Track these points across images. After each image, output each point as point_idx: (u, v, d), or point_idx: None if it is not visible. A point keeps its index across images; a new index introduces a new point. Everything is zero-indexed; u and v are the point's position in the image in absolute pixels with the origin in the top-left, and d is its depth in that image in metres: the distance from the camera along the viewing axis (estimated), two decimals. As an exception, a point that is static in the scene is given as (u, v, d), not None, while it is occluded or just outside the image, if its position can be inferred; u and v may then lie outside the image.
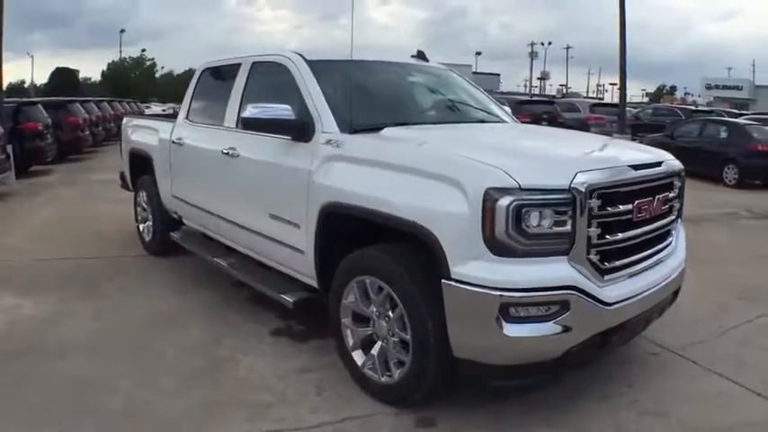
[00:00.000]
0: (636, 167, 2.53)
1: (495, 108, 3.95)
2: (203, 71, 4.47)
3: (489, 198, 2.14)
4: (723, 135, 10.95)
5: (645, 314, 2.59)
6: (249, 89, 3.69)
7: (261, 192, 3.33)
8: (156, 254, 5.16)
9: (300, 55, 3.37)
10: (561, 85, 65.79)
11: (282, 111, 3.00)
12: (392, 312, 2.54)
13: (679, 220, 3.00)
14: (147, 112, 31.65)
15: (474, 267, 2.17)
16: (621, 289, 2.40)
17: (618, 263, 2.42)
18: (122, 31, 60.54)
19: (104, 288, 4.30)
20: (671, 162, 2.83)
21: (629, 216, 2.46)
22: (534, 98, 29.53)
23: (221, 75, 4.23)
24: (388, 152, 2.63)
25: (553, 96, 43.09)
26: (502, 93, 37.36)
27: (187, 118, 4.43)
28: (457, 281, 2.19)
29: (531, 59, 58.17)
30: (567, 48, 63.34)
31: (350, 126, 2.91)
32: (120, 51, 57.27)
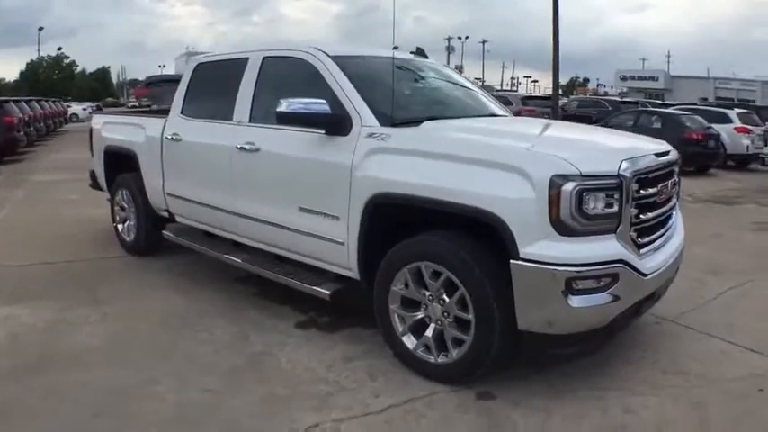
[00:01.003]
0: (658, 155, 2.87)
1: (494, 103, 4.19)
2: (197, 66, 4.33)
3: (555, 184, 2.35)
4: (657, 125, 11.96)
5: (662, 286, 2.95)
6: (263, 84, 3.64)
7: (289, 186, 3.31)
8: (141, 254, 4.95)
9: (322, 50, 3.40)
10: (476, 79, 69.18)
11: (319, 105, 3.03)
12: (447, 295, 2.68)
13: (678, 202, 3.40)
14: (70, 111, 29.66)
15: (542, 247, 2.36)
16: (651, 262, 2.70)
17: (647, 239, 2.72)
18: (41, 29, 55.85)
19: (100, 292, 4.08)
20: (674, 151, 3.21)
21: (655, 198, 2.78)
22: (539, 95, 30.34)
23: (222, 70, 4.10)
24: (444, 144, 2.74)
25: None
26: None
27: (182, 113, 4.31)
28: (526, 260, 2.37)
29: (448, 53, 60.11)
30: (483, 42, 65.56)
31: (391, 120, 3.01)
32: (39, 50, 54.24)
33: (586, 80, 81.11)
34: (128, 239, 5.08)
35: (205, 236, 4.31)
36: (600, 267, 2.41)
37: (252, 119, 3.64)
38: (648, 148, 2.88)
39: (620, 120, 13.04)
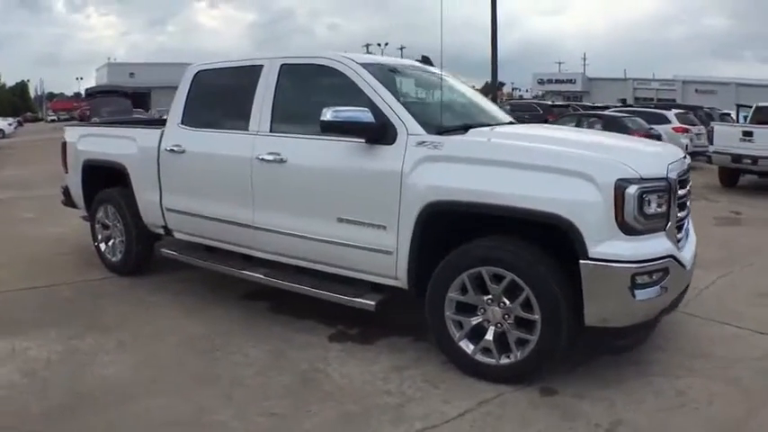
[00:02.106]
0: (684, 158, 3.14)
1: (500, 111, 4.36)
2: (196, 74, 4.11)
3: (620, 188, 2.51)
4: (598, 127, 12.80)
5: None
6: (283, 92, 3.55)
7: (324, 197, 3.25)
8: (129, 274, 4.65)
9: (351, 58, 3.40)
10: None
11: (363, 114, 3.02)
12: (507, 298, 2.76)
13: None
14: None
15: (609, 246, 2.52)
16: (687, 255, 2.95)
17: (680, 235, 2.99)
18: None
19: (102, 317, 3.80)
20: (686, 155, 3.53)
21: (685, 198, 3.04)
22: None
23: (229, 77, 3.96)
24: (504, 151, 2.83)
25: None
26: None
27: (183, 123, 4.11)
28: (595, 259, 2.52)
29: None
30: (402, 48, 67.70)
31: (435, 128, 3.05)
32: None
33: (502, 84, 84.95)
34: (113, 259, 4.76)
35: (207, 251, 4.16)
36: (656, 263, 2.61)
37: (273, 128, 3.55)
38: (678, 153, 3.15)
39: (562, 123, 13.81)
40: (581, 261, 2.55)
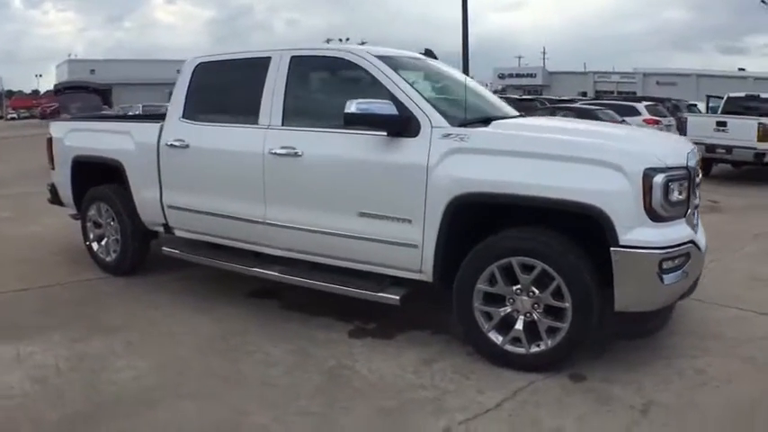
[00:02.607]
0: (695, 148, 3.26)
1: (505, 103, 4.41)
2: (197, 67, 3.97)
3: (648, 176, 2.59)
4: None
5: None
6: (294, 85, 3.48)
7: (344, 191, 3.22)
8: (125, 274, 4.49)
9: (367, 50, 3.36)
10: None
11: (387, 106, 2.99)
12: (537, 287, 2.80)
13: None
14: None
15: (638, 233, 2.59)
16: (702, 240, 3.08)
17: (695, 221, 3.11)
18: None
19: (104, 319, 3.66)
20: None
21: (697, 186, 3.17)
22: None
23: (233, 70, 3.85)
24: (533, 143, 2.85)
25: None
26: None
27: (184, 117, 3.99)
28: (625, 246, 2.59)
29: None
30: (362, 43, 68.11)
31: (458, 120, 3.06)
32: None
33: None
34: (107, 258, 4.58)
35: (210, 249, 4.06)
36: (680, 248, 2.71)
37: (285, 122, 3.49)
38: (690, 143, 3.27)
39: (536, 116, 14.06)
40: (612, 248, 2.62)
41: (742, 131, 8.60)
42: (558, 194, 2.68)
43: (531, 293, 2.85)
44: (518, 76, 56.01)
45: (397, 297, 3.16)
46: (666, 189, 2.64)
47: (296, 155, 3.37)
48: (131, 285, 4.36)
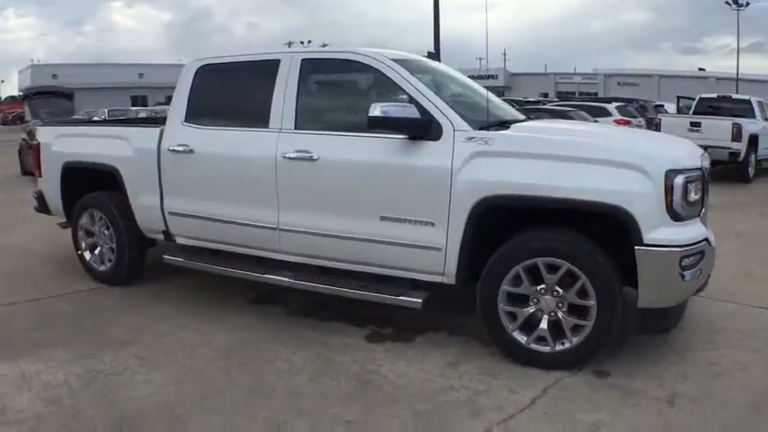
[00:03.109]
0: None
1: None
2: (199, 69, 3.89)
3: (669, 177, 2.71)
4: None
5: None
6: (306, 88, 3.47)
7: (366, 194, 3.22)
8: (120, 283, 4.36)
9: (381, 53, 3.37)
10: None
11: (410, 110, 3.02)
12: (561, 287, 2.89)
13: None
14: None
15: (661, 233, 2.70)
16: (712, 238, 3.23)
17: (706, 220, 3.27)
18: None
19: (110, 332, 3.55)
20: None
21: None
22: None
23: (240, 73, 3.80)
24: (557, 146, 2.94)
25: None
26: None
27: (187, 121, 3.91)
28: (650, 245, 2.69)
29: None
30: (324, 45, 68.30)
31: (478, 123, 3.10)
32: None
33: None
34: (100, 268, 4.43)
35: (213, 255, 4.00)
36: (697, 246, 2.83)
37: (298, 125, 3.46)
38: (698, 146, 3.43)
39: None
40: (636, 247, 2.72)
41: (716, 131, 9.02)
42: (585, 196, 2.77)
43: (554, 293, 2.93)
44: (479, 77, 56.07)
45: (420, 300, 3.19)
46: (685, 189, 2.77)
47: (311, 159, 3.35)
48: (129, 296, 4.24)
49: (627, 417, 2.58)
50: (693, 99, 11.94)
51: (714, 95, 11.76)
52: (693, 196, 2.84)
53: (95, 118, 13.91)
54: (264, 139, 3.52)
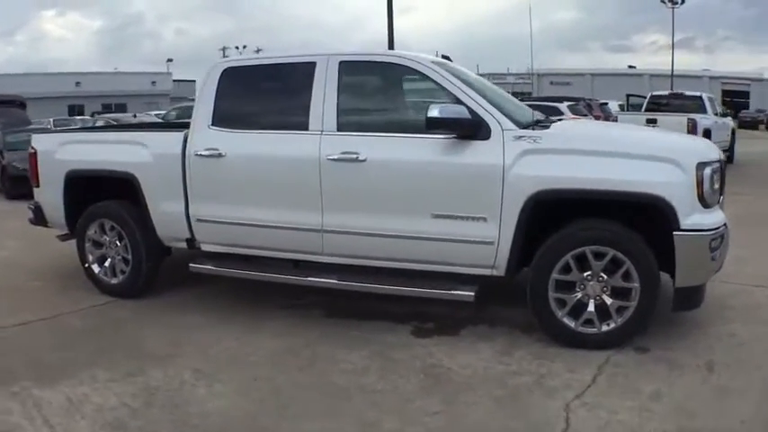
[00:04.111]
0: None
1: None
2: (224, 72, 3.89)
3: (699, 169, 3.10)
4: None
5: None
6: (347, 90, 3.61)
7: (418, 193, 3.39)
8: (133, 296, 4.27)
9: (423, 57, 3.58)
10: None
11: (462, 110, 3.24)
12: (605, 273, 3.20)
13: None
14: None
15: (694, 218, 3.08)
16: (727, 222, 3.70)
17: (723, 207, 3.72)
18: None
19: (149, 347, 3.51)
20: None
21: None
22: None
23: (271, 76, 3.86)
24: (600, 142, 3.29)
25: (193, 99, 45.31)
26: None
27: (215, 125, 3.90)
28: (684, 230, 3.07)
29: None
30: (258, 50, 68.19)
31: (522, 123, 3.38)
32: None
33: None
34: (112, 281, 4.32)
35: (241, 261, 4.04)
36: (720, 230, 3.25)
37: (340, 127, 3.60)
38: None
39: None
40: (675, 233, 3.09)
41: (672, 127, 9.89)
42: (630, 188, 3.11)
43: (599, 278, 3.27)
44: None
45: (472, 293, 3.41)
46: (712, 180, 3.17)
47: (358, 160, 3.51)
48: (146, 308, 4.15)
49: (679, 384, 2.94)
50: (642, 96, 12.97)
51: (665, 93, 12.89)
52: (716, 186, 3.27)
53: (47, 126, 13.47)
54: (305, 142, 3.61)
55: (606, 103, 15.27)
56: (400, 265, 3.60)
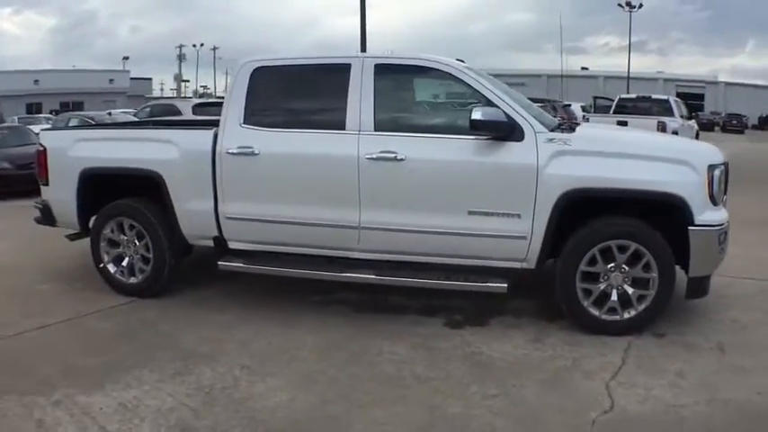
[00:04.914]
0: None
1: None
2: (254, 71, 4.00)
3: (710, 170, 3.53)
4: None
5: None
6: (382, 91, 3.83)
7: (455, 191, 3.66)
8: (153, 295, 4.32)
9: (455, 61, 3.87)
10: (203, 87, 71.31)
11: (500, 113, 3.55)
12: (626, 264, 3.58)
13: None
14: None
15: (706, 215, 3.51)
16: None
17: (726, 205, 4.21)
18: None
19: (185, 345, 3.62)
20: None
21: None
22: (211, 101, 30.00)
23: (305, 75, 4.02)
24: (624, 145, 3.69)
25: (190, 98, 45.19)
26: (157, 98, 38.69)
27: (247, 123, 4.01)
28: (698, 225, 3.49)
29: (180, 62, 60.70)
30: (214, 48, 66.81)
31: (550, 126, 3.73)
32: None
33: None
34: (130, 280, 4.34)
35: (270, 259, 4.19)
36: (725, 225, 3.71)
37: (377, 127, 3.81)
38: None
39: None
40: (690, 228, 3.52)
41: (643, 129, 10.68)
42: (651, 187, 3.50)
43: (621, 270, 3.67)
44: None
45: (506, 285, 3.73)
46: (720, 180, 3.64)
47: (396, 159, 3.75)
48: (171, 307, 4.21)
49: (698, 364, 3.35)
50: (608, 99, 13.79)
51: (633, 96, 13.76)
52: (722, 185, 3.75)
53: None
54: (343, 141, 3.81)
55: (569, 105, 16.09)
56: (432, 260, 3.86)
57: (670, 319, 3.90)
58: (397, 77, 3.96)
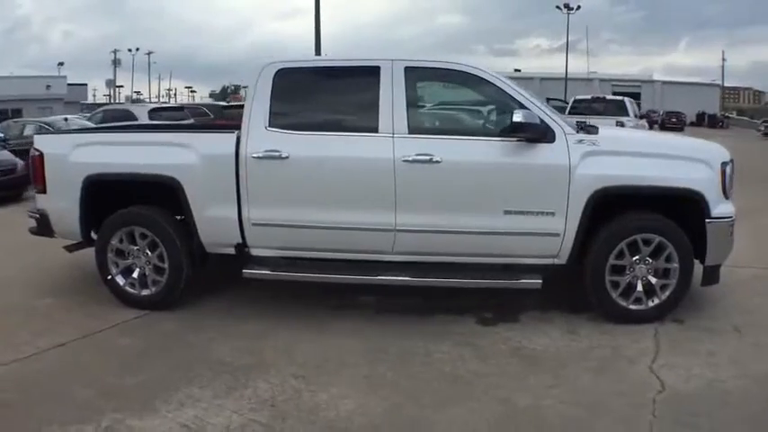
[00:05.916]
0: None
1: None
2: (277, 73, 4.02)
3: (723, 168, 3.96)
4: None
5: None
6: (413, 94, 3.98)
7: (491, 192, 3.86)
8: (167, 307, 4.22)
9: (484, 66, 4.10)
10: (136, 92, 70.82)
11: (535, 116, 3.79)
12: (650, 256, 3.93)
13: None
14: None
15: (720, 208, 3.91)
16: None
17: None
18: None
19: (223, 358, 3.58)
20: None
21: None
22: (166, 106, 29.33)
23: (332, 78, 4.08)
24: (648, 145, 4.07)
25: (122, 103, 44.61)
26: (96, 104, 37.35)
27: (272, 126, 4.01)
28: (715, 218, 3.89)
29: (115, 67, 61.24)
30: (149, 53, 67.19)
31: (575, 127, 4.04)
32: None
33: (237, 87, 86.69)
34: (142, 292, 4.20)
35: (293, 265, 4.22)
36: (734, 217, 4.17)
37: (411, 130, 3.94)
38: None
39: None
40: (707, 220, 3.93)
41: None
42: (674, 183, 3.88)
43: (645, 262, 4.06)
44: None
45: (540, 281, 4.00)
46: (730, 177, 4.11)
47: (432, 161, 3.92)
48: (195, 319, 4.14)
49: (723, 344, 3.74)
50: (560, 100, 14.61)
51: (589, 97, 14.66)
52: (732, 181, 4.22)
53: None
54: (378, 144, 3.90)
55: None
56: (463, 260, 4.07)
57: (685, 307, 4.31)
58: (427, 81, 4.13)
